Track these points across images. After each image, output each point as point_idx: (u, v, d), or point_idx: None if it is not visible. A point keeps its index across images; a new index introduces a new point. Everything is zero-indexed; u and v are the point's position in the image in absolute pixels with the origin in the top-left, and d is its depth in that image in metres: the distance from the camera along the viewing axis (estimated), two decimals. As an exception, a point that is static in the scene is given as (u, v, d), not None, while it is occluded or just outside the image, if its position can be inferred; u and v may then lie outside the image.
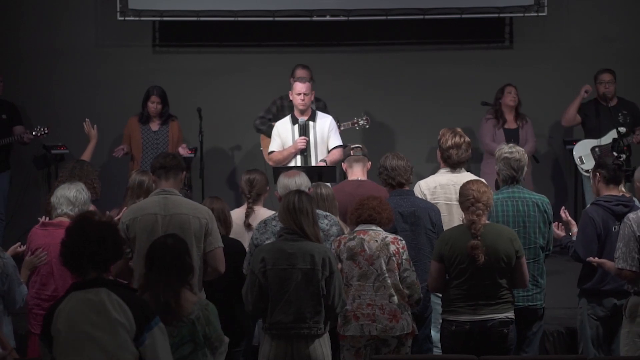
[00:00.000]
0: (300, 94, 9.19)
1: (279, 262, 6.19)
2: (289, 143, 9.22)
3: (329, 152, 9.21)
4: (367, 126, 10.08)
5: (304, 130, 9.21)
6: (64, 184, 7.18)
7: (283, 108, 10.11)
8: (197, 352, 5.44)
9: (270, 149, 9.36)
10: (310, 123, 9.26)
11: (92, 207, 7.46)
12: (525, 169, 7.32)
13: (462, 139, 7.64)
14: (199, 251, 6.36)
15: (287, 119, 9.34)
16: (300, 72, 10.16)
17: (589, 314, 7.17)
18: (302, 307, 6.16)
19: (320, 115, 9.36)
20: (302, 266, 6.17)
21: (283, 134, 9.28)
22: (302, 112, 9.25)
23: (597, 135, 10.41)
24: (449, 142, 7.64)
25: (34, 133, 10.32)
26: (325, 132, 9.24)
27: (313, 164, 9.10)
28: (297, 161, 9.16)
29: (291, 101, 9.58)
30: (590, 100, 10.57)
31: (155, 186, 6.63)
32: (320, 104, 10.14)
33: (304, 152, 9.15)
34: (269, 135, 10.05)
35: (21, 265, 6.93)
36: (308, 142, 9.18)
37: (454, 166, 7.64)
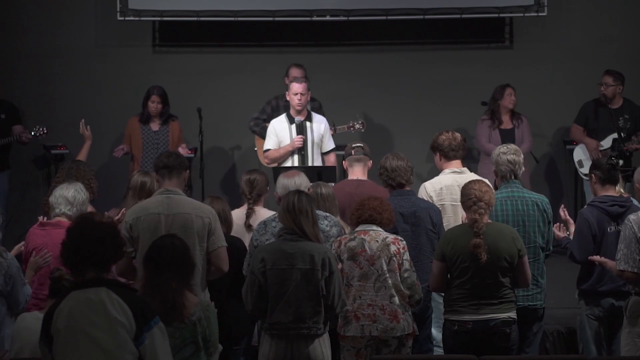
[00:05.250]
0: (297, 94, 9.29)
1: (279, 262, 6.19)
2: (286, 141, 9.30)
3: (324, 154, 9.37)
4: (363, 130, 10.11)
5: (301, 130, 9.28)
6: (63, 184, 7.18)
7: (278, 108, 10.13)
8: (198, 353, 5.43)
9: (266, 147, 9.42)
10: (307, 123, 9.36)
11: (89, 208, 7.47)
12: (523, 167, 7.35)
13: (454, 134, 7.74)
14: (202, 250, 6.39)
15: (283, 118, 9.42)
16: (294, 72, 10.19)
17: (588, 314, 7.17)
18: (301, 307, 6.16)
19: (315, 116, 9.49)
20: (302, 266, 6.17)
21: (280, 133, 9.35)
22: (299, 112, 9.34)
23: (597, 136, 10.39)
24: (442, 136, 7.74)
25: (32, 133, 10.32)
26: (321, 133, 9.38)
27: (309, 163, 9.21)
28: (295, 160, 9.25)
29: (287, 101, 9.59)
30: (593, 100, 10.54)
31: (159, 185, 6.66)
32: (315, 104, 10.17)
33: (302, 150, 9.23)
34: (263, 137, 10.07)
35: (22, 265, 6.93)
36: (305, 141, 9.25)
37: (449, 156, 7.67)
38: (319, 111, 9.99)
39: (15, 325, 6.44)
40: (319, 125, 9.39)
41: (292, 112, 9.36)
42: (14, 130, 10.46)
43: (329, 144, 9.43)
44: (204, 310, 5.47)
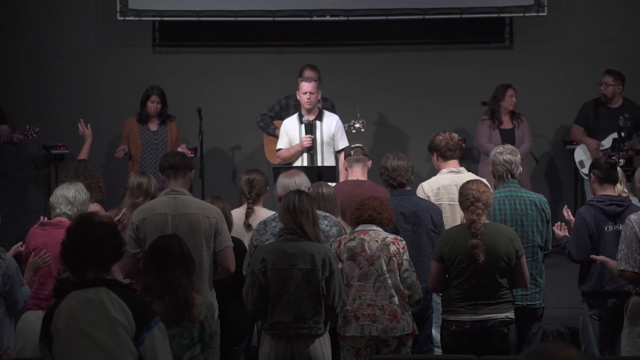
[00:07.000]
0: (306, 92, 9.33)
1: (279, 262, 6.19)
2: (296, 141, 9.35)
3: (337, 152, 9.31)
4: (363, 130, 10.10)
5: (310, 129, 9.31)
6: (64, 183, 7.18)
7: (288, 107, 10.17)
8: (205, 351, 5.47)
9: (278, 146, 9.50)
10: (317, 122, 9.38)
11: (97, 207, 7.48)
12: (520, 167, 7.35)
13: (450, 134, 7.76)
14: (209, 251, 6.42)
15: (294, 117, 9.47)
16: (308, 73, 10.21)
17: (591, 314, 7.16)
18: (302, 307, 6.16)
19: (327, 114, 9.49)
20: (302, 266, 6.17)
21: (290, 132, 9.40)
22: (309, 111, 9.38)
23: (597, 136, 10.38)
24: (439, 136, 7.76)
25: (25, 133, 10.28)
26: (332, 132, 9.36)
27: (319, 163, 9.24)
28: (304, 160, 9.30)
29: (297, 101, 9.62)
30: (593, 100, 10.54)
31: (164, 186, 6.68)
32: (327, 104, 10.19)
33: (310, 150, 9.27)
34: (268, 133, 10.11)
35: (22, 265, 6.92)
36: (314, 141, 9.29)
37: (446, 156, 7.68)
38: (331, 110, 10.02)
39: (18, 325, 6.43)
40: (329, 124, 9.38)
41: (302, 111, 9.42)
42: (0, 130, 10.39)
43: (342, 143, 9.32)
44: (209, 308, 5.51)
